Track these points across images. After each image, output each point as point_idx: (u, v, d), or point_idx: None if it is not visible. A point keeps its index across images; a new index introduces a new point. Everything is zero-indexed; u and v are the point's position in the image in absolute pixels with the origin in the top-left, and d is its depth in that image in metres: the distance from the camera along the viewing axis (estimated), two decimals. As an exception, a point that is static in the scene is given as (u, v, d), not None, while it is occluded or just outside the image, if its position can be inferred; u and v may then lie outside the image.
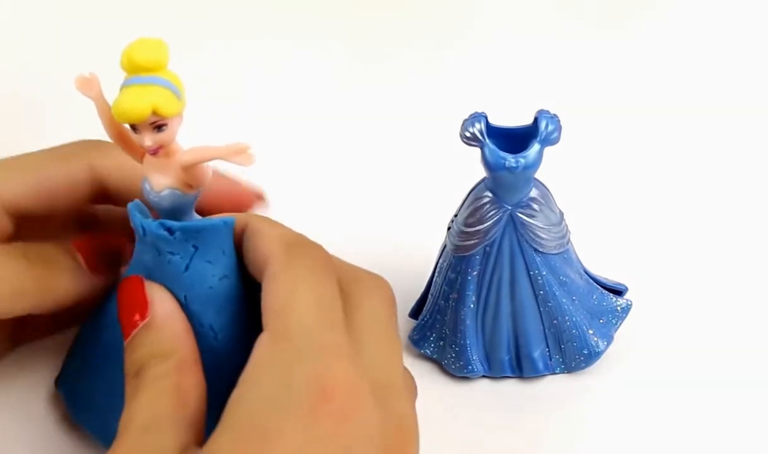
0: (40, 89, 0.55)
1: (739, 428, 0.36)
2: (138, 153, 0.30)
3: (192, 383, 0.28)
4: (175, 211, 0.30)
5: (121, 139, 0.30)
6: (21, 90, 0.55)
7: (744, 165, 0.53)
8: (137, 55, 0.27)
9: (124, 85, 0.28)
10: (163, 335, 0.29)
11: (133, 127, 0.28)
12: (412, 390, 0.30)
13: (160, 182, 0.30)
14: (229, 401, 0.25)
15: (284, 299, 0.27)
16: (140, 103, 0.27)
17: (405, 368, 0.30)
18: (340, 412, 0.24)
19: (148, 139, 0.28)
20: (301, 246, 0.29)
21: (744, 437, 0.36)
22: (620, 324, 0.39)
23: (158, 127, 0.28)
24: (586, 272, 0.39)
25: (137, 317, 0.29)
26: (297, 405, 0.24)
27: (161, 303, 0.30)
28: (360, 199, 0.50)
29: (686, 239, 0.47)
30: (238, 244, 0.31)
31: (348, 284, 0.30)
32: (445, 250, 0.38)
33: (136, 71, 0.28)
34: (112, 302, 0.33)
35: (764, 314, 0.42)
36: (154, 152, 0.29)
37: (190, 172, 0.29)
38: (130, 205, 0.31)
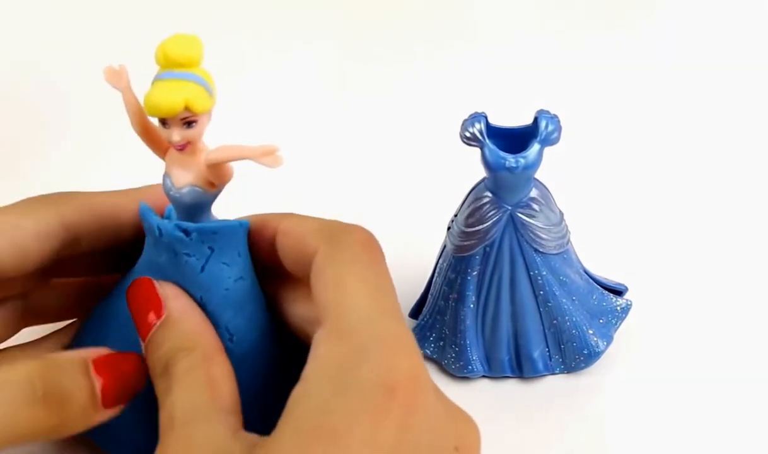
0: (41, 90, 0.55)
1: (739, 427, 0.36)
2: (161, 148, 0.30)
3: (221, 372, 0.28)
4: (194, 209, 0.30)
5: (145, 133, 0.30)
6: (22, 90, 0.55)
7: (744, 166, 0.53)
8: (172, 50, 0.28)
9: (158, 79, 0.28)
10: (183, 329, 0.29)
11: (162, 121, 0.28)
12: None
13: (182, 179, 0.30)
14: (291, 399, 0.24)
15: (336, 292, 0.26)
16: (173, 97, 0.27)
17: None
18: (408, 406, 0.24)
19: (177, 135, 0.28)
20: (342, 233, 0.28)
21: (744, 437, 0.36)
22: (620, 324, 0.39)
23: (188, 123, 0.28)
24: (586, 272, 0.39)
25: (152, 316, 0.29)
26: (364, 402, 0.23)
27: (176, 299, 0.29)
28: (360, 199, 0.51)
29: (686, 240, 0.47)
30: (269, 247, 0.30)
31: None
32: (445, 250, 0.38)
33: (171, 66, 0.28)
34: (115, 305, 0.33)
35: (764, 313, 0.42)
36: (181, 148, 0.29)
37: (215, 170, 0.29)
38: (142, 206, 0.31)
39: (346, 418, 0.23)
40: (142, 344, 0.29)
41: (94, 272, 0.36)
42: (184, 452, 0.25)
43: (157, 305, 0.29)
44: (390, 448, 0.23)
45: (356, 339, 0.25)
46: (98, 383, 0.28)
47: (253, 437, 0.25)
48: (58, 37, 0.57)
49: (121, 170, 0.50)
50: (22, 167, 0.50)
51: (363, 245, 0.28)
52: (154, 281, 0.30)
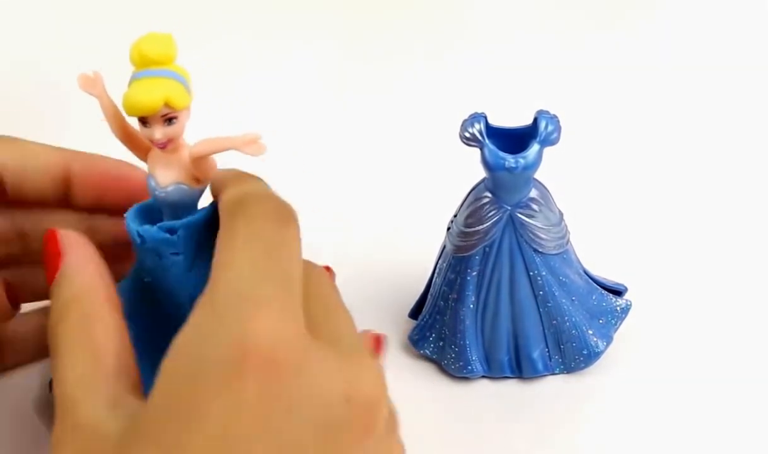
0: (40, 90, 0.55)
1: (739, 427, 0.36)
2: (143, 151, 0.30)
3: (105, 330, 0.26)
4: (181, 207, 0.30)
5: (126, 136, 0.30)
6: (19, 90, 0.55)
7: (744, 166, 0.53)
8: (148, 48, 0.28)
9: (134, 79, 0.28)
10: (73, 283, 0.27)
11: (143, 121, 0.28)
12: (376, 359, 0.28)
13: (166, 178, 0.29)
14: (161, 369, 0.23)
15: (219, 258, 0.25)
16: (153, 95, 0.27)
17: (362, 333, 0.28)
18: (267, 367, 0.22)
19: (159, 132, 0.28)
20: (245, 203, 0.27)
21: (744, 437, 0.36)
22: (620, 324, 0.39)
23: (169, 120, 0.28)
24: (586, 273, 0.39)
25: (56, 268, 0.28)
26: (216, 374, 0.22)
27: (72, 250, 0.28)
28: (359, 199, 0.51)
29: (686, 240, 0.47)
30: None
31: None
32: (445, 250, 0.38)
33: (147, 65, 0.28)
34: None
35: (764, 313, 0.42)
36: (163, 146, 0.29)
37: (200, 164, 0.29)
38: (126, 215, 0.30)
39: (198, 393, 0.22)
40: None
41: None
42: (70, 438, 0.24)
43: (56, 256, 0.28)
44: (255, 409, 0.22)
45: (216, 303, 0.23)
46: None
47: (133, 405, 0.24)
48: (58, 37, 0.57)
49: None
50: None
51: (268, 215, 0.26)
52: (59, 231, 0.29)
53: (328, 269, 0.32)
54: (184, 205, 0.30)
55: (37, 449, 0.35)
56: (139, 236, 0.30)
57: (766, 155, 0.54)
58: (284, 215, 0.27)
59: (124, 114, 0.29)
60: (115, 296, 0.28)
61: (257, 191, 0.28)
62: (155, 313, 0.31)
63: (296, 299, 0.24)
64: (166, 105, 0.27)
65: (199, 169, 0.29)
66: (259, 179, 0.30)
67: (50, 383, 0.35)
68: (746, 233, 0.48)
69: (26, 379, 0.37)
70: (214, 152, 0.29)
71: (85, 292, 0.27)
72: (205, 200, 0.31)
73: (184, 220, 0.30)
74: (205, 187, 0.30)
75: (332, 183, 0.52)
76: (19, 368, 0.38)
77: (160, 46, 0.28)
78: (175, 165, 0.29)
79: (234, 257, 0.25)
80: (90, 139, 0.54)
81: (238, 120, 0.54)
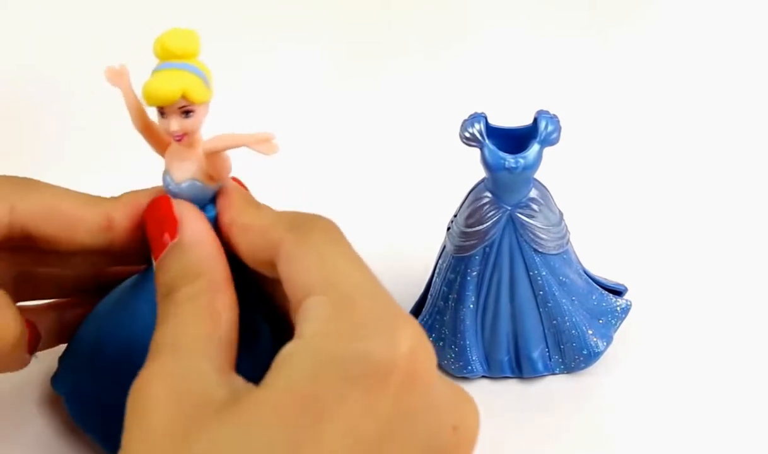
0: (40, 90, 0.55)
1: (739, 427, 0.36)
2: (161, 146, 0.31)
3: (224, 304, 0.27)
4: (194, 204, 0.30)
5: (146, 130, 0.31)
6: (21, 90, 0.55)
7: (744, 166, 0.53)
8: (171, 42, 0.28)
9: (156, 70, 0.28)
10: (193, 255, 0.28)
11: (161, 111, 0.29)
12: None
13: (182, 174, 0.30)
14: (283, 355, 0.24)
15: (324, 269, 0.26)
16: (171, 85, 0.28)
17: None
18: (406, 383, 0.23)
19: (175, 124, 0.28)
20: (306, 219, 0.28)
21: (744, 437, 0.36)
22: (620, 324, 0.39)
23: (186, 112, 0.28)
24: (586, 273, 0.39)
25: (166, 236, 0.29)
26: (363, 374, 0.23)
27: (191, 223, 0.29)
28: (359, 199, 0.51)
29: (686, 240, 0.47)
30: (226, 239, 0.30)
31: None
32: (445, 251, 0.38)
33: (168, 57, 0.28)
34: (120, 307, 0.33)
35: (764, 313, 0.42)
36: (179, 139, 0.29)
37: (213, 161, 0.30)
38: None
39: (340, 386, 0.22)
40: (154, 262, 0.29)
41: (71, 292, 0.36)
42: (169, 384, 0.24)
43: (172, 225, 0.29)
44: (383, 419, 0.23)
45: (357, 310, 0.24)
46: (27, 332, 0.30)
47: (239, 382, 0.24)
48: (58, 36, 0.57)
49: (120, 170, 0.50)
50: (23, 167, 0.50)
51: (330, 229, 0.28)
52: (173, 200, 0.30)
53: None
54: (198, 203, 0.30)
55: (37, 448, 0.35)
56: None
57: (766, 155, 0.54)
58: (340, 230, 0.28)
59: (145, 107, 0.30)
60: (230, 273, 0.28)
61: (297, 217, 0.28)
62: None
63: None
64: (184, 97, 0.28)
65: (212, 166, 0.30)
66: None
67: (52, 379, 0.35)
68: (746, 233, 0.48)
69: (26, 378, 0.37)
70: (226, 149, 0.30)
71: (211, 262, 0.28)
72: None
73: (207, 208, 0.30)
74: (219, 186, 0.31)
75: (332, 183, 0.52)
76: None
77: (183, 41, 0.28)
78: (190, 162, 0.30)
79: (342, 269, 0.26)
80: (90, 139, 0.54)
81: (238, 120, 0.54)
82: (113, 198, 0.32)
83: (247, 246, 0.29)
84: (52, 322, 0.34)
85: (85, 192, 0.32)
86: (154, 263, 0.29)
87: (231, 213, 0.30)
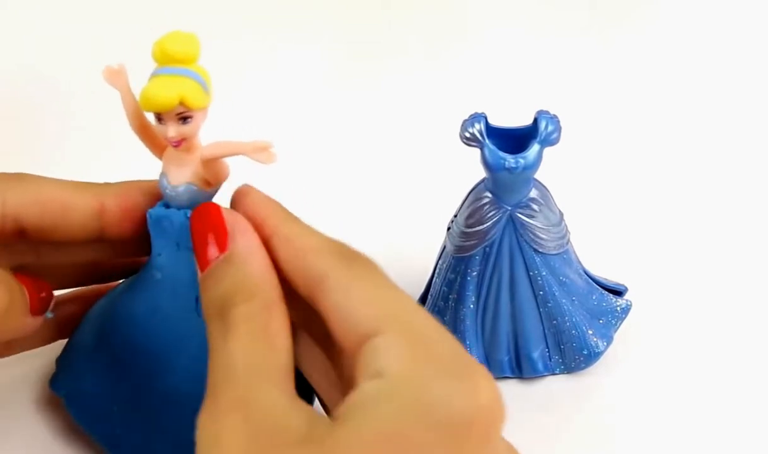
0: (40, 90, 0.55)
1: (739, 427, 0.36)
2: (158, 148, 0.31)
3: (280, 325, 0.25)
4: (190, 208, 0.30)
5: (143, 132, 0.30)
6: (21, 90, 0.55)
7: (744, 166, 0.53)
8: (170, 46, 0.28)
9: (154, 75, 0.28)
10: (247, 270, 0.26)
11: (158, 117, 0.28)
12: None
13: (178, 178, 0.30)
14: (366, 392, 0.23)
15: (384, 305, 0.24)
16: (168, 92, 0.27)
17: None
18: (483, 437, 0.23)
19: (172, 130, 0.28)
20: (352, 252, 0.26)
21: (744, 437, 0.36)
22: (620, 324, 0.39)
23: (183, 118, 0.28)
24: (586, 273, 0.39)
25: (214, 249, 0.27)
26: (449, 422, 0.22)
27: (243, 234, 0.27)
28: (359, 200, 0.50)
29: (686, 240, 0.47)
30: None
31: None
32: (445, 251, 0.38)
33: (167, 62, 0.28)
34: (120, 307, 0.33)
35: (764, 313, 0.42)
36: (177, 144, 0.29)
37: (210, 167, 0.29)
38: (150, 210, 0.31)
39: (427, 432, 0.22)
40: (199, 274, 0.27)
41: (66, 283, 0.35)
42: (242, 415, 0.23)
43: (222, 236, 0.27)
44: None
45: (434, 351, 0.23)
46: (26, 291, 0.30)
47: (310, 411, 0.23)
48: (58, 36, 0.57)
49: (120, 170, 0.50)
50: (23, 167, 0.50)
51: (375, 265, 0.26)
52: (222, 208, 0.28)
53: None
54: (194, 206, 0.30)
55: (37, 448, 0.35)
56: (167, 219, 0.30)
57: (765, 156, 0.54)
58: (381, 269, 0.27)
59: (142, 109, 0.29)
60: (281, 292, 0.26)
61: (344, 247, 0.27)
62: (158, 309, 0.31)
63: None
64: (182, 103, 0.28)
65: (210, 172, 0.30)
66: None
67: (50, 381, 0.35)
68: (746, 233, 0.48)
69: (26, 379, 0.37)
70: (224, 156, 0.29)
71: (264, 280, 0.26)
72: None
73: None
74: (216, 191, 0.31)
75: (332, 183, 0.52)
76: (19, 368, 0.38)
77: (183, 45, 0.28)
78: (188, 166, 0.30)
79: (403, 307, 0.25)
80: (90, 138, 0.54)
81: (238, 121, 0.54)
82: (104, 184, 0.32)
83: (286, 261, 0.27)
84: (46, 319, 0.34)
85: (75, 180, 0.32)
86: (199, 275, 0.27)
87: (274, 221, 0.27)
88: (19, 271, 0.31)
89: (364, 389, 0.23)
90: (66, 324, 0.35)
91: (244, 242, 0.27)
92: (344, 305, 0.25)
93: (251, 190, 0.29)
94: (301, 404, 0.23)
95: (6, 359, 0.36)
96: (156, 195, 0.31)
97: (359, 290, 0.25)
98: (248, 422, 0.22)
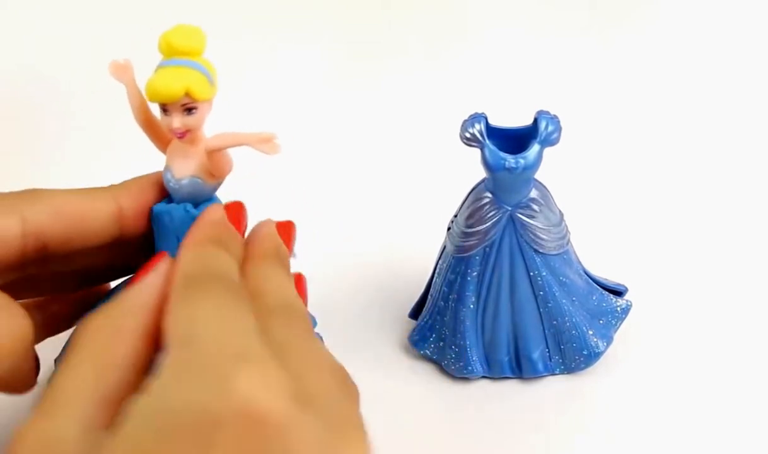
0: (40, 89, 0.55)
1: (739, 427, 0.36)
2: (163, 142, 0.31)
3: (124, 357, 0.25)
4: (194, 201, 0.30)
5: (148, 126, 0.31)
6: (21, 90, 0.55)
7: (744, 166, 0.53)
8: (176, 38, 0.28)
9: (160, 66, 0.29)
10: (134, 297, 0.26)
11: (164, 108, 0.29)
12: (353, 392, 0.26)
13: (182, 170, 0.30)
14: (130, 409, 0.22)
15: (185, 323, 0.24)
16: (174, 83, 0.28)
17: (339, 367, 0.27)
18: (249, 427, 0.21)
19: (177, 121, 0.29)
20: (200, 281, 0.26)
21: (744, 437, 0.36)
22: (620, 325, 0.39)
23: (189, 110, 0.28)
24: (586, 273, 0.39)
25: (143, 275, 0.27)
26: (196, 423, 0.21)
27: (154, 272, 0.27)
28: (359, 200, 0.51)
29: (686, 240, 0.47)
30: None
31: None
32: (445, 251, 0.38)
33: (173, 54, 0.28)
34: None
35: (764, 313, 0.42)
36: (181, 136, 0.29)
37: (214, 158, 0.30)
38: (154, 206, 0.31)
39: (175, 438, 0.21)
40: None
41: (68, 288, 0.35)
42: (32, 441, 0.23)
43: (147, 270, 0.27)
44: None
45: (198, 358, 0.23)
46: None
47: (103, 438, 0.23)
48: (58, 36, 0.57)
49: (120, 170, 0.50)
50: (23, 167, 0.50)
51: (216, 289, 0.26)
52: (166, 256, 0.28)
53: (299, 278, 0.32)
54: (197, 200, 0.30)
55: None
56: (167, 214, 0.30)
57: (765, 156, 0.54)
58: (242, 297, 0.26)
59: (148, 103, 0.30)
60: (157, 331, 0.26)
61: (219, 269, 0.27)
62: None
63: (278, 358, 0.23)
64: (187, 94, 0.28)
65: (214, 163, 0.30)
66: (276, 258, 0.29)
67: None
68: (746, 234, 0.48)
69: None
70: (229, 147, 0.30)
71: (136, 310, 0.26)
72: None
73: (206, 204, 0.30)
74: (219, 184, 0.31)
75: (332, 183, 0.52)
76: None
77: (188, 38, 0.28)
78: (192, 158, 0.30)
79: (200, 317, 0.24)
80: (90, 138, 0.54)
81: (238, 120, 0.54)
82: (118, 185, 0.32)
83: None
84: (37, 318, 0.33)
85: (85, 187, 0.32)
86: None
87: (188, 239, 0.28)
88: (18, 289, 0.31)
89: (129, 404, 0.22)
90: (53, 323, 0.35)
91: (147, 278, 0.27)
92: (164, 325, 0.25)
93: (209, 210, 0.30)
94: (99, 433, 0.23)
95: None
96: (164, 186, 0.32)
97: (176, 312, 0.25)
98: (36, 442, 0.22)
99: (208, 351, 0.23)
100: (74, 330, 0.27)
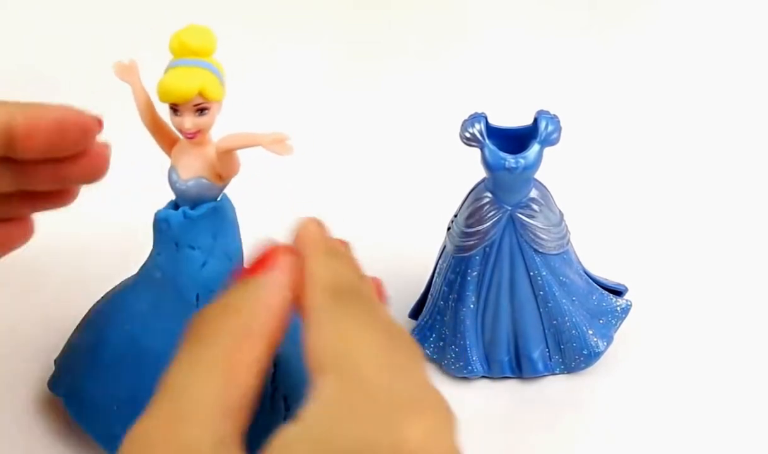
0: (40, 89, 0.55)
1: (739, 427, 0.36)
2: (168, 142, 0.31)
3: (250, 366, 0.23)
4: (199, 202, 0.30)
5: (154, 126, 0.31)
6: (21, 91, 0.55)
7: (744, 166, 0.53)
8: (188, 39, 0.28)
9: (171, 67, 0.28)
10: (259, 295, 0.25)
11: (174, 108, 0.28)
12: None
13: (188, 171, 0.30)
14: (285, 437, 0.21)
15: (340, 344, 0.23)
16: (188, 83, 0.28)
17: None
18: None
19: (189, 122, 0.28)
20: (348, 293, 0.25)
21: (744, 437, 0.36)
22: (620, 324, 0.39)
23: (200, 110, 0.28)
24: (586, 273, 0.39)
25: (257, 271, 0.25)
26: None
27: (278, 270, 0.25)
28: (359, 200, 0.50)
29: (686, 240, 0.47)
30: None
31: None
32: (445, 251, 0.38)
33: (185, 54, 0.28)
34: (119, 306, 0.33)
35: (764, 313, 0.42)
36: (192, 136, 0.29)
37: (224, 159, 0.30)
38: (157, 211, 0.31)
39: None
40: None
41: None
42: (162, 444, 0.22)
43: (266, 264, 0.25)
44: None
45: (365, 392, 0.22)
46: None
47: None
48: (58, 36, 0.57)
49: (120, 170, 0.50)
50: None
51: (366, 304, 0.25)
52: (285, 249, 0.26)
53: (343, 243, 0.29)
54: (202, 201, 0.30)
55: (37, 449, 0.35)
56: (165, 220, 0.30)
57: (765, 155, 0.54)
58: (382, 295, 0.26)
59: (155, 104, 0.30)
60: (278, 339, 0.25)
61: (345, 285, 0.25)
62: (158, 308, 0.31)
63: (450, 412, 0.23)
64: (200, 94, 0.28)
65: (223, 164, 0.30)
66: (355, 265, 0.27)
67: (49, 382, 0.35)
68: (746, 233, 0.48)
69: (24, 380, 0.37)
70: (241, 147, 0.29)
71: (264, 315, 0.25)
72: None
73: (206, 206, 0.30)
74: (225, 185, 0.31)
75: (332, 183, 0.52)
76: (18, 368, 0.38)
77: (200, 38, 0.28)
78: (198, 159, 0.30)
79: (358, 341, 0.23)
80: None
81: (238, 120, 0.54)
82: (13, 102, 0.31)
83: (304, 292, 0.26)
84: None
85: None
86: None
87: (309, 251, 0.26)
88: None
89: (280, 434, 0.21)
90: None
91: (274, 275, 0.25)
92: (312, 342, 0.24)
93: (309, 222, 0.28)
94: (229, 448, 0.22)
95: (6, 358, 0.36)
96: (67, 125, 0.30)
97: (329, 330, 0.24)
98: (168, 450, 0.22)
99: (377, 387, 0.22)
100: (195, 319, 0.25)
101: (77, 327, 0.35)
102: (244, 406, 0.23)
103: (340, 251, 0.27)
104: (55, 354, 0.36)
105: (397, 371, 0.23)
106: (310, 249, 0.26)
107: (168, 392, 0.23)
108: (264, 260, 0.26)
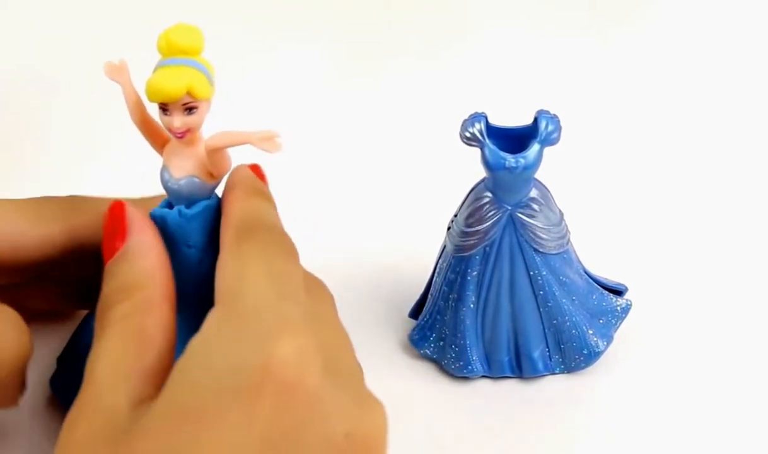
0: (39, 89, 0.55)
1: (739, 427, 0.36)
2: (159, 142, 0.31)
3: (156, 324, 0.26)
4: (192, 201, 0.30)
5: (145, 126, 0.31)
6: (20, 89, 0.55)
7: (744, 166, 0.53)
8: (176, 37, 0.28)
9: (159, 66, 0.28)
10: (136, 267, 0.27)
11: (163, 108, 0.29)
12: (361, 369, 0.28)
13: (180, 170, 0.30)
14: (172, 372, 0.23)
15: (234, 279, 0.25)
16: (176, 82, 0.28)
17: (351, 344, 0.28)
18: (285, 389, 0.23)
19: (178, 121, 0.28)
20: (254, 232, 0.27)
21: (744, 437, 0.36)
22: (620, 324, 0.39)
23: (189, 109, 0.28)
24: (586, 272, 0.39)
25: (117, 243, 0.28)
26: (238, 383, 0.22)
27: (140, 232, 0.28)
28: (359, 199, 0.50)
29: (686, 239, 0.47)
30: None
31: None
32: (445, 250, 0.38)
33: (173, 53, 0.28)
34: None
35: (764, 313, 0.42)
36: (182, 135, 0.29)
37: (214, 158, 0.30)
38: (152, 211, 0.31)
39: (217, 398, 0.22)
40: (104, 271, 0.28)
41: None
42: (84, 420, 0.24)
43: (121, 232, 0.28)
44: (263, 430, 0.22)
45: (243, 319, 0.24)
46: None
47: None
48: (58, 36, 0.57)
49: (120, 170, 0.50)
50: (23, 166, 0.50)
51: (270, 244, 0.27)
52: (128, 205, 0.29)
53: (255, 167, 0.32)
54: (195, 200, 0.30)
55: (37, 448, 0.35)
56: (162, 218, 0.30)
57: (765, 155, 0.54)
58: (291, 251, 0.27)
59: (145, 104, 0.30)
60: (172, 290, 0.27)
61: (266, 219, 0.28)
62: None
63: (312, 329, 0.25)
64: (188, 94, 0.28)
65: (214, 163, 0.30)
66: (269, 201, 0.30)
67: (51, 381, 0.35)
68: (746, 233, 0.48)
69: (28, 376, 0.37)
70: (230, 145, 0.30)
71: (146, 279, 0.27)
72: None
73: (201, 204, 0.30)
74: (218, 183, 0.31)
75: (332, 182, 0.52)
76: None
77: (188, 37, 0.28)
78: (190, 158, 0.30)
79: (248, 279, 0.25)
80: (88, 137, 0.54)
81: (238, 120, 0.54)
82: (143, 198, 0.32)
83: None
84: None
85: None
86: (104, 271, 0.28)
87: (234, 193, 0.29)
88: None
89: (176, 363, 0.24)
90: None
91: (139, 238, 0.28)
92: (216, 279, 0.26)
93: (241, 167, 0.31)
94: (148, 404, 0.24)
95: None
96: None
97: (228, 267, 0.26)
98: (91, 430, 0.23)
99: (253, 310, 0.24)
100: (99, 308, 0.27)
101: (79, 325, 0.35)
102: (164, 367, 0.25)
103: (263, 191, 0.30)
104: (57, 352, 0.36)
105: (281, 298, 0.25)
106: (233, 192, 0.29)
107: (87, 375, 0.25)
108: (117, 227, 0.28)
